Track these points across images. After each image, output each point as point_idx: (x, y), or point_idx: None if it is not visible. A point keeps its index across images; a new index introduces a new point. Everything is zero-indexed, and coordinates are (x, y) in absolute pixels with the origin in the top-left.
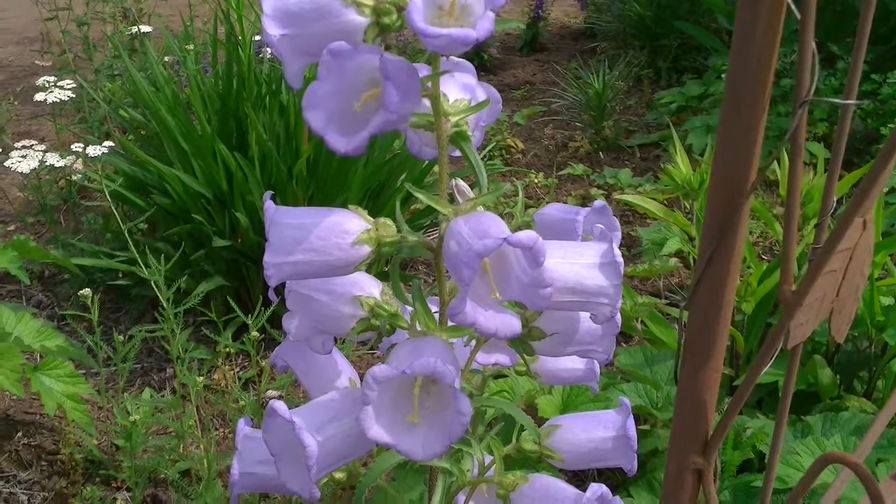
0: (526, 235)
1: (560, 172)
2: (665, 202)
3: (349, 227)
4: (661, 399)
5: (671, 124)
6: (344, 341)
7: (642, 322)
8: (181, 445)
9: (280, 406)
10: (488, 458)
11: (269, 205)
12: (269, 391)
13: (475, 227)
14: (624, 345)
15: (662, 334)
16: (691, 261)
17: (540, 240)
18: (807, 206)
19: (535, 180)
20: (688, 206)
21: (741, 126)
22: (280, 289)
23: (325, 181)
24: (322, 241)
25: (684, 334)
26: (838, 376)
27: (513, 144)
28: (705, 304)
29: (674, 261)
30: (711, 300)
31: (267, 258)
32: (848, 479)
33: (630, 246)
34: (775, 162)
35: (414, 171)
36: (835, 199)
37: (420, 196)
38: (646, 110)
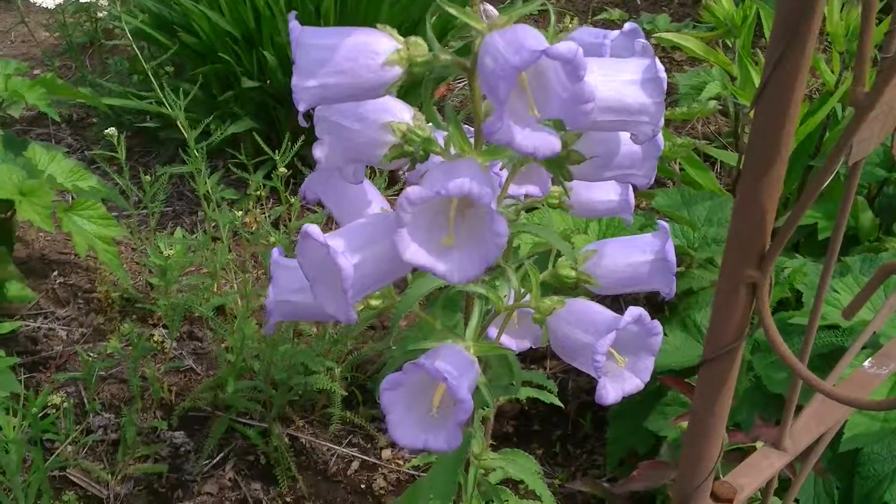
0: (566, 47)
1: (595, 18)
2: (705, 42)
3: (378, 47)
4: (698, 239)
5: None
6: (371, 180)
7: (680, 165)
8: (215, 284)
9: (314, 230)
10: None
11: (293, 25)
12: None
13: (512, 40)
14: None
15: (700, 177)
16: (730, 107)
17: (580, 51)
18: (853, 43)
19: (570, 25)
20: (730, 44)
21: None
22: (310, 115)
23: (353, 20)
24: (351, 63)
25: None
26: (878, 219)
27: None
28: (771, 108)
29: (713, 103)
30: (778, 103)
31: (294, 81)
32: (890, 311)
33: (667, 93)
34: None
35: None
36: None
37: (452, 11)
38: None
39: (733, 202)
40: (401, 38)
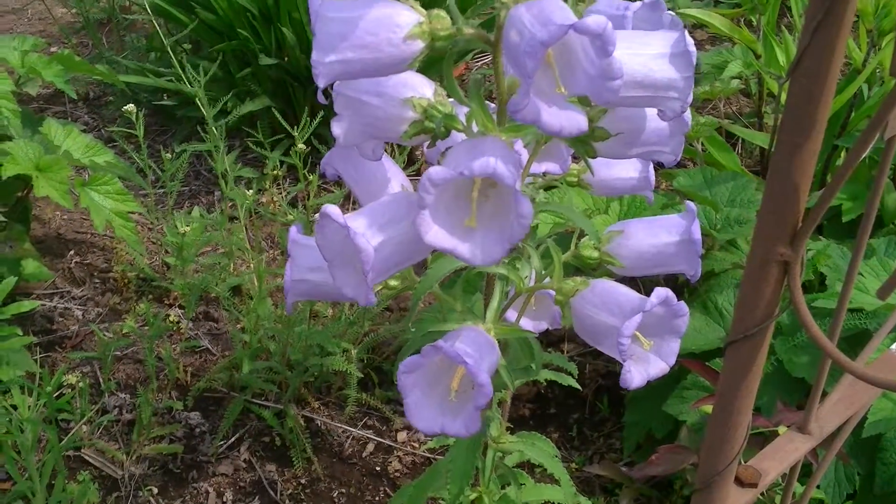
0: (594, 21)
1: None
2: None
3: (401, 20)
4: (720, 221)
5: None
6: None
7: (702, 145)
8: (231, 264)
9: (333, 210)
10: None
11: None
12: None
13: (538, 13)
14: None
15: (722, 158)
16: (752, 86)
17: (610, 26)
18: (883, 21)
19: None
20: (754, 22)
21: None
22: (329, 92)
23: None
24: (372, 37)
25: (781, 113)
26: None
27: None
28: (809, 78)
29: (735, 82)
30: (816, 73)
31: (314, 56)
32: None
33: None
34: None
35: None
36: None
37: None
38: None
39: (767, 177)
40: (423, 11)
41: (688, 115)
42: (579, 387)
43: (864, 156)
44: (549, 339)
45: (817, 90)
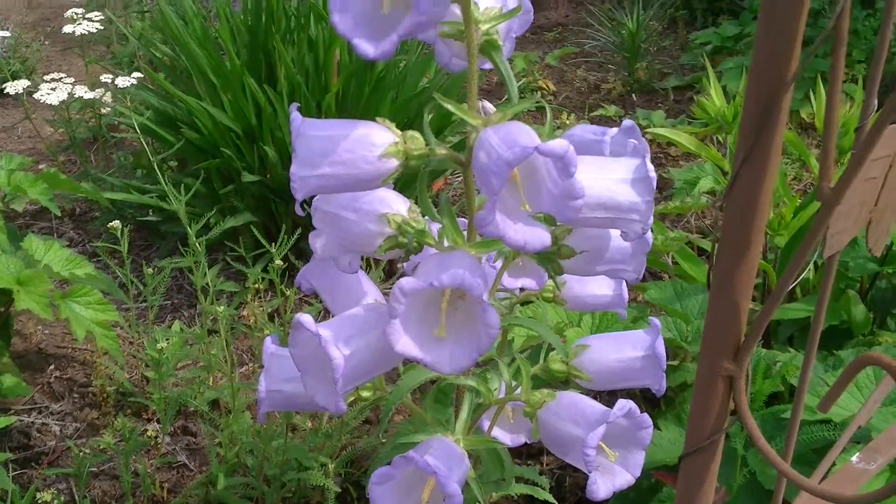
0: (557, 144)
1: (591, 114)
2: (699, 138)
3: (377, 139)
4: (691, 333)
5: (706, 63)
6: (369, 272)
7: (673, 259)
8: (210, 378)
9: (306, 319)
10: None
11: (295, 115)
12: None
13: (505, 136)
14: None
15: (693, 270)
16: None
17: (571, 149)
18: (843, 139)
19: (567, 121)
20: (722, 140)
21: (783, 10)
22: (307, 204)
23: (353, 116)
24: (349, 154)
25: (719, 234)
26: (872, 313)
27: (544, 86)
28: (742, 201)
29: (706, 198)
30: (748, 197)
31: (293, 170)
32: (876, 404)
33: (662, 188)
34: (810, 102)
35: (442, 108)
36: (876, 103)
37: (449, 107)
38: (680, 52)
39: (709, 295)
40: (398, 132)
41: (649, 236)
42: (554, 501)
43: (802, 274)
44: (529, 452)
45: (750, 214)
